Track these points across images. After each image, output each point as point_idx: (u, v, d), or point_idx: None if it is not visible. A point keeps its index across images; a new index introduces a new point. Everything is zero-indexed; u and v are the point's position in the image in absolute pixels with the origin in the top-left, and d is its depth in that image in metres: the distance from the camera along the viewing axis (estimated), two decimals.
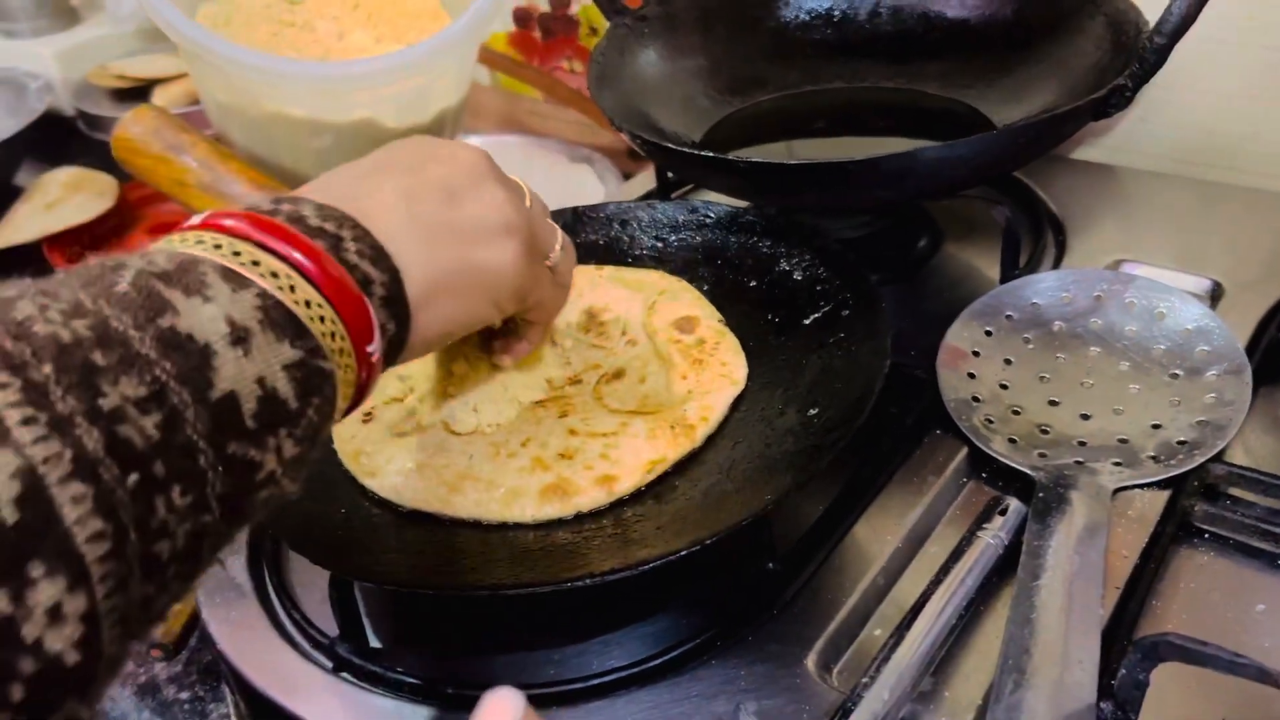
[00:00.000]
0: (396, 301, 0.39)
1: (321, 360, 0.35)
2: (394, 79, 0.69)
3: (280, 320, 0.34)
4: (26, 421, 0.26)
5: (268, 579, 0.55)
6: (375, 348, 0.38)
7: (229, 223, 0.36)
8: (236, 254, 0.34)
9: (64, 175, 1.17)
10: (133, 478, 0.28)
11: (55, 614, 0.25)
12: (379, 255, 0.39)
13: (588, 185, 1.06)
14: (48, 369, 0.27)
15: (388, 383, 0.58)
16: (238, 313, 0.32)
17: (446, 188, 0.43)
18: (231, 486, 0.31)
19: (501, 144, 1.17)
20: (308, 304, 0.35)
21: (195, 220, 0.37)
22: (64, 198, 1.11)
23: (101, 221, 1.11)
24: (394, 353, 0.41)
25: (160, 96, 1.19)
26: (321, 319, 0.35)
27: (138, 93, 1.21)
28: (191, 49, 0.68)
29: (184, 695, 0.64)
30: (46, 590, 0.25)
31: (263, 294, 0.34)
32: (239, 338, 0.32)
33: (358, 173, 0.43)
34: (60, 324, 0.29)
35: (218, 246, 0.34)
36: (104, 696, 0.28)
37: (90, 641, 0.26)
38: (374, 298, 0.38)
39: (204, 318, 0.31)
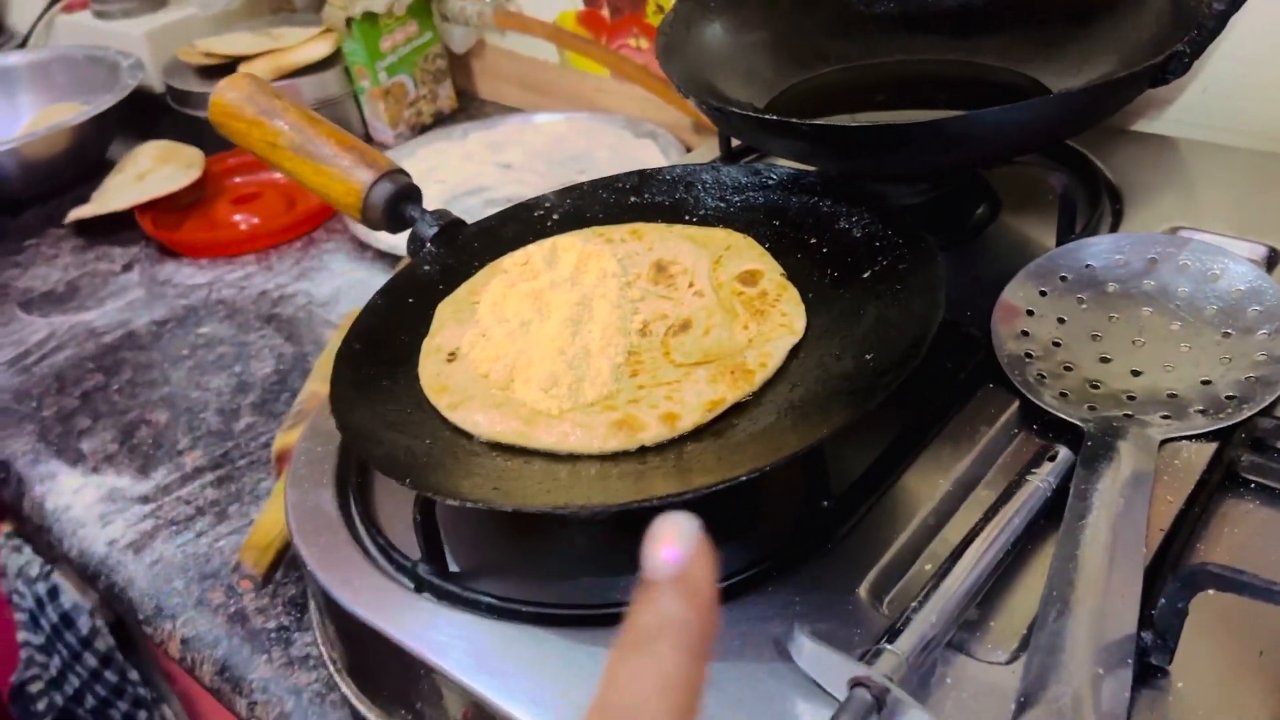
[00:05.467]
0: None
1: None
2: None
3: None
4: None
5: (354, 508, 0.59)
6: None
7: None
8: None
9: (154, 148, 1.23)
10: None
11: None
12: None
13: (652, 159, 1.10)
14: None
15: (469, 327, 0.61)
16: None
17: None
18: None
19: (570, 120, 1.21)
20: None
21: None
22: (153, 169, 1.17)
23: (188, 192, 1.17)
24: None
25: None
26: None
27: (223, 69, 1.27)
28: None
29: (270, 625, 0.68)
30: None
31: None
32: None
33: None
34: None
35: None
36: None
37: None
38: None
39: None
